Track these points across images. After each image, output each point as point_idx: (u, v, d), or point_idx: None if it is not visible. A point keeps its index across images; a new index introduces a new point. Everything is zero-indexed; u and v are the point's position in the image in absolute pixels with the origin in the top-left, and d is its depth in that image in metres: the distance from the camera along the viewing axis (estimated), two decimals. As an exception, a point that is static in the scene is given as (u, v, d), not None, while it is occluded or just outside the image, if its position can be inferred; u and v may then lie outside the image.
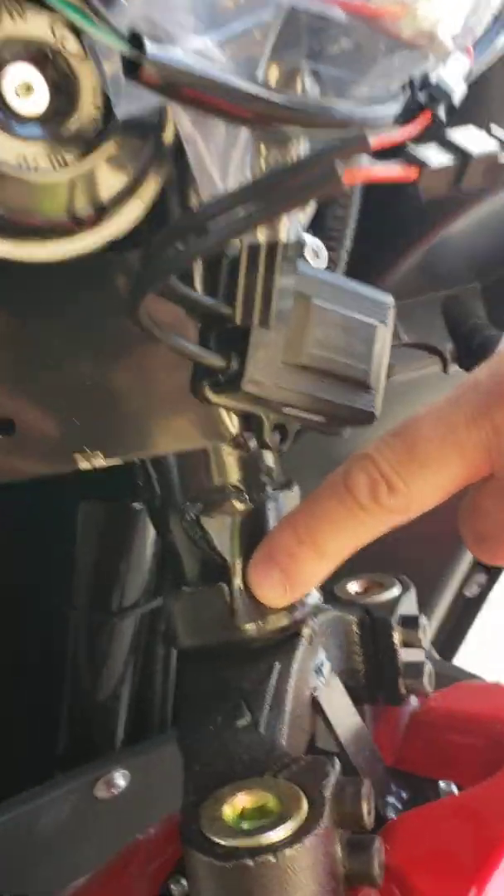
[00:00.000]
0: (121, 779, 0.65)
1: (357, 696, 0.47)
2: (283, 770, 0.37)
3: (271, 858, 0.32)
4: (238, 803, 0.35)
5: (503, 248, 0.52)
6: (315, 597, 0.43)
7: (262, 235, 0.31)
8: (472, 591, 0.80)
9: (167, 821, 0.50)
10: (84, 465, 0.39)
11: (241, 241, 0.32)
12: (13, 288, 0.37)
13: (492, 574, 0.80)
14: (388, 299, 0.40)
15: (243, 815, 0.35)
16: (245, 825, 0.34)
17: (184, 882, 0.42)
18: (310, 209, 0.36)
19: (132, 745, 0.66)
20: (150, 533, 0.56)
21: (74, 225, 0.31)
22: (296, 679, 0.41)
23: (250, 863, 0.32)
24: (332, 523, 0.36)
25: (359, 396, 0.40)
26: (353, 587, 0.53)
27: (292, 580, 0.38)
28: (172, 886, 0.42)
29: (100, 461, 0.39)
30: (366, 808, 0.35)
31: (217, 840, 0.34)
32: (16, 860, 0.62)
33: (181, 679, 0.43)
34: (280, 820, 0.34)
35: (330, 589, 0.52)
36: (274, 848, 0.33)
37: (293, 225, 0.32)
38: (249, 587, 0.39)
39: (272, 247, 0.32)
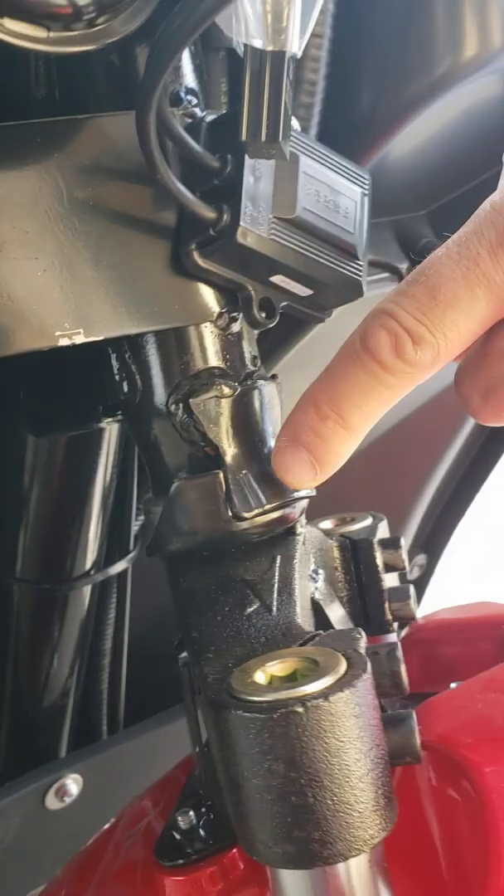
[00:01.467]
0: (73, 785, 0.58)
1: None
2: (309, 643, 0.34)
3: (323, 702, 0.29)
4: (268, 671, 0.32)
5: (443, 177, 0.53)
6: (304, 492, 0.40)
7: (269, 44, 0.30)
8: (412, 574, 0.79)
9: (155, 787, 0.46)
10: (64, 341, 0.36)
11: (247, 47, 0.31)
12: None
13: (431, 555, 0.79)
14: (366, 173, 0.40)
15: (273, 683, 0.32)
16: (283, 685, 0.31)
17: (191, 813, 0.38)
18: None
19: (82, 747, 0.60)
20: (102, 489, 0.52)
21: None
22: (299, 571, 0.39)
23: (300, 709, 0.29)
24: (356, 392, 0.34)
25: (347, 263, 0.39)
26: (326, 524, 0.50)
27: (321, 459, 0.35)
28: (179, 819, 0.38)
29: (80, 338, 0.36)
30: (403, 667, 0.34)
31: (256, 698, 0.30)
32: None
33: (173, 587, 0.39)
34: (321, 675, 0.31)
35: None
36: (325, 693, 0.30)
37: (298, 40, 0.31)
38: (276, 472, 0.36)
39: (278, 56, 0.31)
